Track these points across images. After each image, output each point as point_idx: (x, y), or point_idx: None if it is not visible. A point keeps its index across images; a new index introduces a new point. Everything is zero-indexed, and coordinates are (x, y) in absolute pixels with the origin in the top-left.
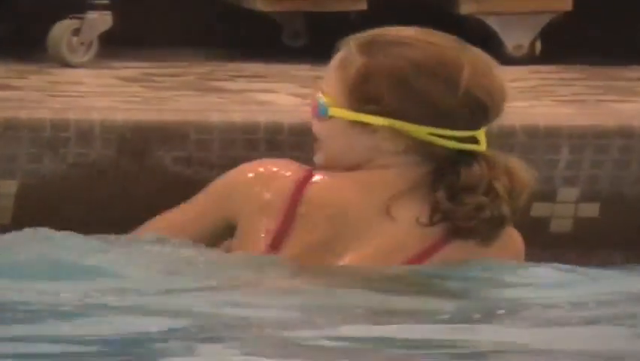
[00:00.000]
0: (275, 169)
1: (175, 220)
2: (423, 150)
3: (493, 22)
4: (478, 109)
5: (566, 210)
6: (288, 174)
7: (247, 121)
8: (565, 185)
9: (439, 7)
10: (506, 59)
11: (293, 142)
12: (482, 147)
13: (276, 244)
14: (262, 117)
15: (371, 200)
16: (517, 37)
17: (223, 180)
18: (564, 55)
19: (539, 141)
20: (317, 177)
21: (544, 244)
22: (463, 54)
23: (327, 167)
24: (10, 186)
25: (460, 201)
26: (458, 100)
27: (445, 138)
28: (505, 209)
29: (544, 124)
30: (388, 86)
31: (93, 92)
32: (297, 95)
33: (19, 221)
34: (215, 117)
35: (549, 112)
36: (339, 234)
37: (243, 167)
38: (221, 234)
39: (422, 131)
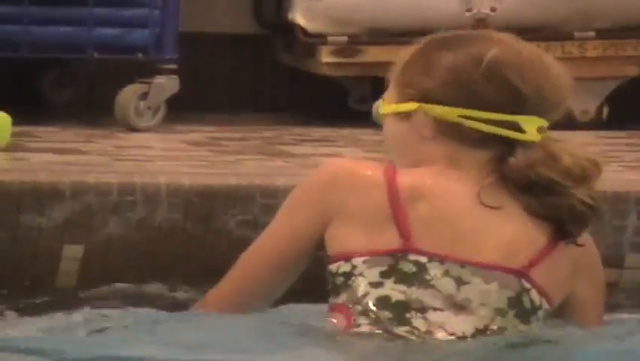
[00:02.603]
0: (358, 167)
1: (270, 256)
2: (458, 133)
3: None
4: (508, 90)
5: (634, 276)
6: (373, 168)
7: None
8: (633, 251)
9: None
10: (573, 124)
11: None
12: (528, 136)
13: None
14: None
15: (463, 189)
16: (583, 103)
17: (305, 188)
18: (631, 121)
19: (607, 206)
20: (401, 171)
21: (612, 311)
22: (503, 38)
23: None
24: (76, 250)
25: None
26: (481, 75)
27: (477, 120)
28: (571, 201)
29: (612, 190)
30: (418, 68)
31: (160, 156)
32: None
33: (84, 284)
34: (280, 181)
35: (616, 178)
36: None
37: (322, 170)
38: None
39: (452, 113)
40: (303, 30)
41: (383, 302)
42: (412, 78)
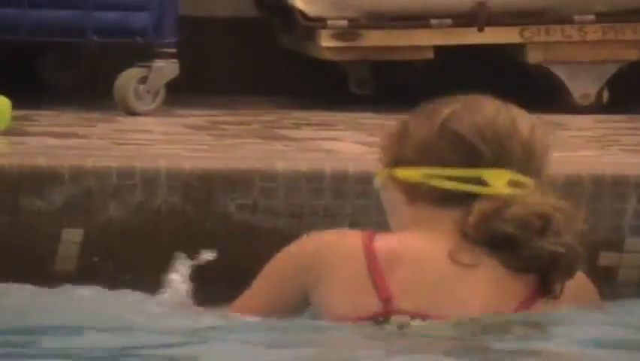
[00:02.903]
0: (335, 237)
1: (258, 312)
2: (427, 194)
3: (560, 71)
4: (462, 145)
5: (634, 259)
6: (351, 238)
7: (312, 169)
8: (632, 235)
9: (507, 56)
10: (573, 108)
11: (358, 190)
12: (494, 189)
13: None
14: (327, 165)
15: (440, 250)
16: (584, 86)
17: (284, 261)
18: (631, 104)
19: (606, 190)
20: (379, 235)
21: (612, 294)
22: (471, 99)
23: None
24: (76, 234)
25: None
26: (436, 133)
27: (439, 177)
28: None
29: (612, 173)
30: (395, 137)
31: (159, 140)
32: (362, 144)
33: (84, 268)
34: (280, 165)
35: (616, 161)
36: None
37: (299, 243)
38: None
39: (415, 174)
40: (302, 14)
41: None
42: (389, 147)
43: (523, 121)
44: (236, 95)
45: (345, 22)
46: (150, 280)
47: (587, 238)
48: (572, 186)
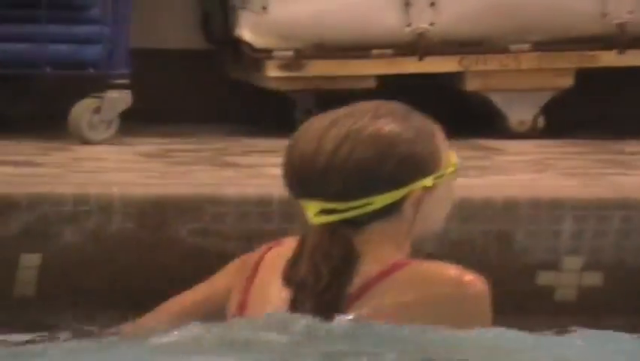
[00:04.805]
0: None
1: (186, 300)
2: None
3: (497, 99)
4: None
5: (570, 278)
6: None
7: (261, 194)
8: (568, 255)
9: (446, 84)
10: (510, 134)
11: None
12: (312, 220)
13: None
14: (275, 190)
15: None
16: (520, 113)
17: (232, 262)
18: (566, 130)
19: (543, 212)
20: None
21: (550, 313)
22: (341, 112)
23: None
24: (34, 260)
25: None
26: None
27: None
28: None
29: (548, 196)
30: None
31: (113, 168)
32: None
33: (42, 293)
34: (229, 191)
35: (552, 185)
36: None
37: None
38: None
39: None
40: (249, 45)
41: None
42: None
43: (342, 145)
44: (186, 124)
45: (290, 53)
46: (106, 303)
47: (526, 259)
48: (509, 209)
